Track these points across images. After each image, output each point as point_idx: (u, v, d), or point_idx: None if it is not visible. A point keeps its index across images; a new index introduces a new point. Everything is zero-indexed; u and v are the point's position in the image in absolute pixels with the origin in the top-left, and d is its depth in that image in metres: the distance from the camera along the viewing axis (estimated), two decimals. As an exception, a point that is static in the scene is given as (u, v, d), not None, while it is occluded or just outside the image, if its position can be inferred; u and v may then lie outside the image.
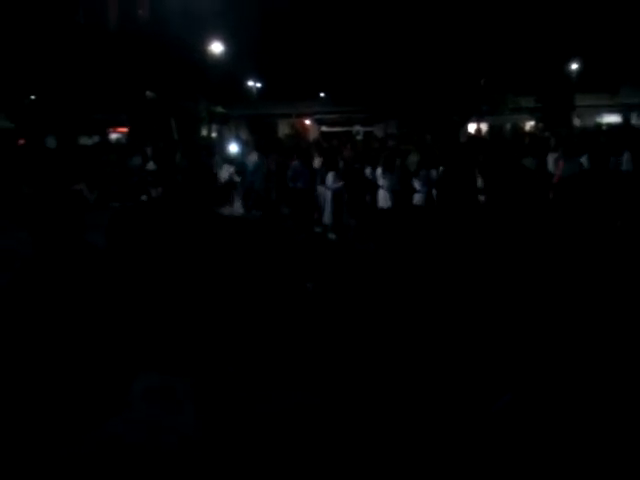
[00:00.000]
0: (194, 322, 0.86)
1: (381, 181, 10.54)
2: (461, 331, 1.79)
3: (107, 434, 0.87)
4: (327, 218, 11.37)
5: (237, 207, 12.49)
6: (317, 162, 12.23)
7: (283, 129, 31.71)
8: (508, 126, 25.67)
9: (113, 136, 28.85)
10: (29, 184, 14.28)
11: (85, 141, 24.21)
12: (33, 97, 26.08)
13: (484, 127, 28.40)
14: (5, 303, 2.18)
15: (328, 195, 11.40)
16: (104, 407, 1.28)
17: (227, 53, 26.98)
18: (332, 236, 11.05)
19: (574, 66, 29.98)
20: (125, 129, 28.62)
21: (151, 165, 17.14)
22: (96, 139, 24.67)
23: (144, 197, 16.30)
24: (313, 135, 27.82)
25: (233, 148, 17.59)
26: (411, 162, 11.04)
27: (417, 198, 10.37)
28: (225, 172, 13.30)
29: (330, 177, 11.35)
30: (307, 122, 34.36)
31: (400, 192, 10.40)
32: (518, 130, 23.05)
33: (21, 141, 22.10)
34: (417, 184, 10.43)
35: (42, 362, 2.04)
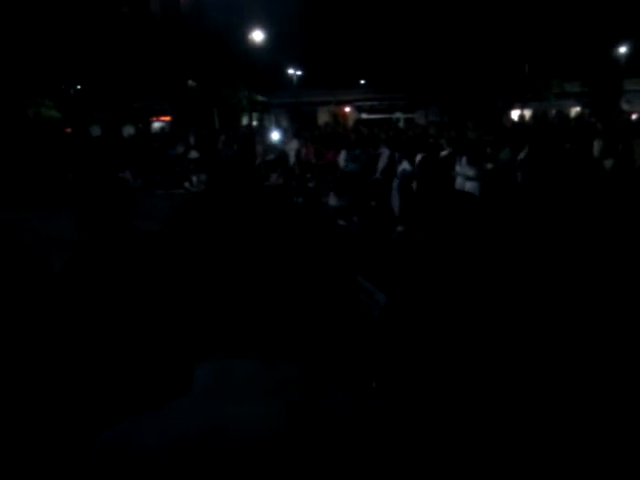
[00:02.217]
0: (257, 303, 0.84)
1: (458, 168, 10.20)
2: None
3: (160, 432, 0.85)
4: (396, 208, 10.64)
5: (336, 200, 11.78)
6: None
7: (323, 117, 31.64)
8: (553, 112, 25.07)
9: (156, 125, 29.27)
10: (75, 172, 14.65)
11: (129, 130, 24.64)
12: (79, 87, 26.62)
13: (528, 113, 27.81)
14: (62, 288, 2.25)
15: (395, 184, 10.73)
16: (158, 397, 1.30)
17: (268, 41, 27.02)
18: (400, 229, 10.37)
19: (622, 49, 29.02)
20: (168, 118, 28.98)
21: (194, 153, 17.36)
22: (140, 128, 25.09)
23: (187, 184, 16.54)
24: (352, 122, 27.69)
25: (275, 136, 17.72)
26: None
27: (469, 186, 9.77)
28: (342, 160, 12.25)
29: (405, 165, 10.64)
30: (347, 109, 34.20)
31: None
32: (563, 116, 22.51)
33: (68, 130, 22.63)
34: (471, 171, 9.93)
35: (95, 347, 2.12)
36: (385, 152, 11.38)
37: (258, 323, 0.84)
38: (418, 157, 10.67)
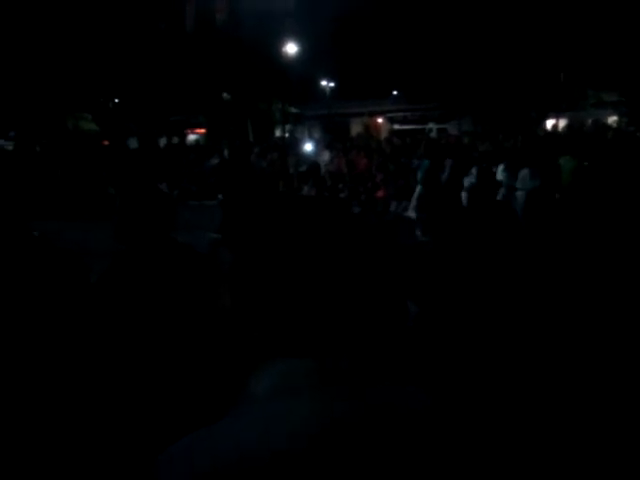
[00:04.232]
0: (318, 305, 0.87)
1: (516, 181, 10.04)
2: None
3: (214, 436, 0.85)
4: None
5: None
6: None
7: (356, 128, 31.70)
8: (589, 122, 24.65)
9: (191, 137, 29.67)
10: (114, 184, 14.95)
11: (164, 142, 25.06)
12: (117, 100, 27.19)
13: (562, 123, 27.45)
14: (101, 296, 2.33)
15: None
16: (212, 404, 1.30)
17: (301, 53, 27.22)
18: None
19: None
20: (203, 130, 29.37)
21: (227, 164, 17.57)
22: (175, 140, 25.50)
23: (220, 196, 16.74)
24: (385, 134, 27.68)
25: (308, 147, 17.88)
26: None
27: (519, 196, 9.58)
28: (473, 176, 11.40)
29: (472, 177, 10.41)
30: (379, 120, 34.20)
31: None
32: (599, 125, 22.10)
33: (105, 142, 23.13)
34: (519, 182, 9.75)
35: (138, 356, 2.18)
36: (448, 163, 11.32)
37: (315, 325, 0.88)
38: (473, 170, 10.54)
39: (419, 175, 11.30)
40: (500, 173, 10.11)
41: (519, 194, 9.69)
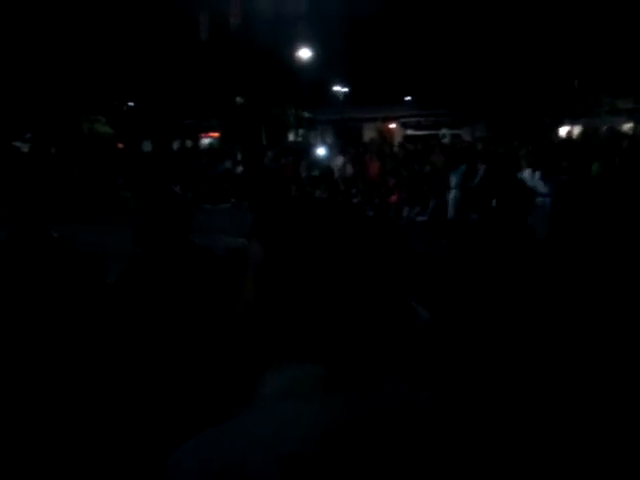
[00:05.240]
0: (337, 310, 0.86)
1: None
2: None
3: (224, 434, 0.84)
4: None
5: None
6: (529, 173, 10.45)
7: (369, 133, 31.69)
8: (603, 129, 24.44)
9: (205, 141, 29.81)
10: (129, 188, 15.06)
11: (177, 145, 25.22)
12: (131, 104, 27.40)
13: (576, 130, 27.28)
14: (120, 299, 2.35)
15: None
16: (224, 403, 1.31)
17: (314, 58, 27.30)
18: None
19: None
20: (216, 134, 29.50)
21: (240, 169, 17.64)
22: (188, 144, 25.67)
23: (233, 200, 16.82)
24: (398, 139, 27.65)
25: (321, 152, 17.92)
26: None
27: (541, 203, 9.62)
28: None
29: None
30: (392, 126, 34.18)
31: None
32: (614, 132, 21.90)
33: (120, 145, 23.32)
34: (542, 188, 9.80)
35: (154, 356, 2.20)
36: (482, 167, 11.54)
37: (329, 333, 0.88)
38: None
39: (454, 180, 11.52)
40: (535, 181, 10.09)
41: (546, 200, 9.70)
